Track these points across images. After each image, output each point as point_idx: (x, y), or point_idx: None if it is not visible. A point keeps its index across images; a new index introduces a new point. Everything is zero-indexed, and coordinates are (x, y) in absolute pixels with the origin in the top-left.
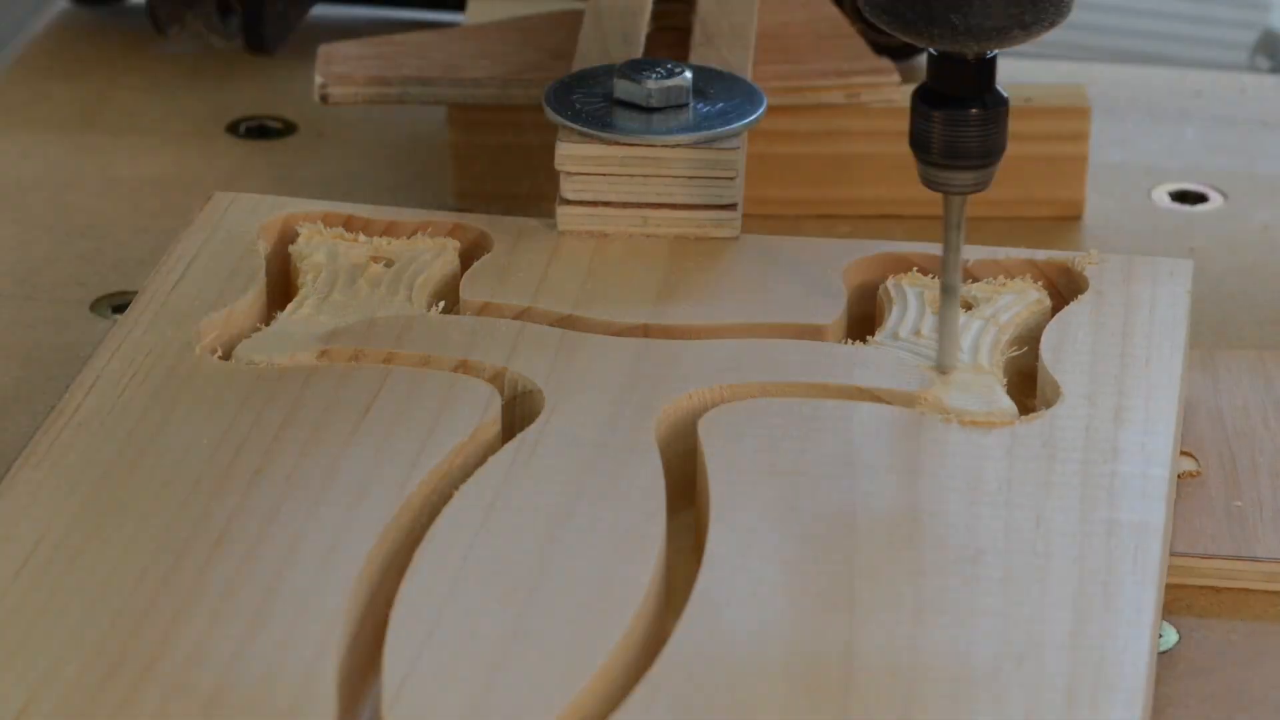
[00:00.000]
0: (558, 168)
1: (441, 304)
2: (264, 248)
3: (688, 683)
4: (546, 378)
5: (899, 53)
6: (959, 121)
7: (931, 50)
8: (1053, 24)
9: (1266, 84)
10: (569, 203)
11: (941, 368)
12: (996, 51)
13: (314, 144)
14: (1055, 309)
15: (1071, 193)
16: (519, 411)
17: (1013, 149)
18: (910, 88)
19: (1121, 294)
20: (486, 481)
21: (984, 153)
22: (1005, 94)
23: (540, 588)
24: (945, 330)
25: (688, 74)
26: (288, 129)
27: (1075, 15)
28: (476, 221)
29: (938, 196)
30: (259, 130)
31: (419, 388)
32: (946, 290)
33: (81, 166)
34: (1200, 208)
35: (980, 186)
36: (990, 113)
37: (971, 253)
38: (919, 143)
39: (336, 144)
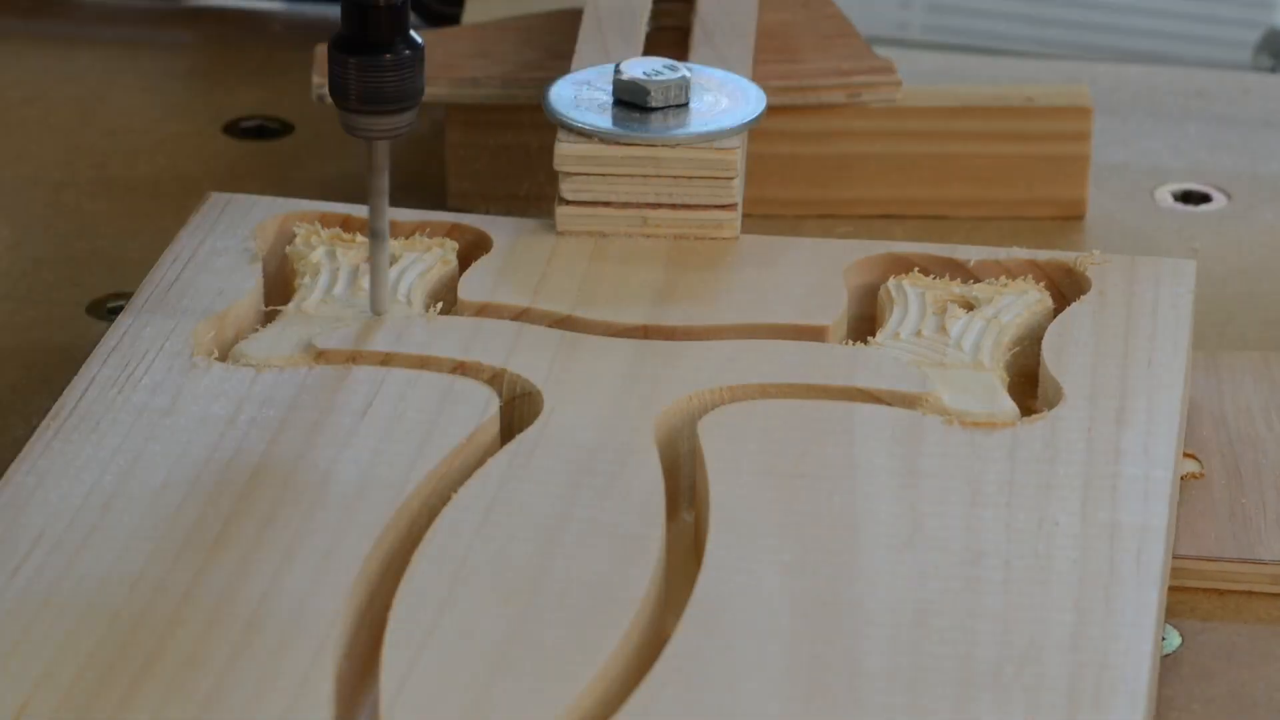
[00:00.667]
0: (556, 168)
1: (439, 305)
2: (261, 248)
3: (687, 685)
4: (545, 379)
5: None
6: (375, 68)
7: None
8: None
9: (1270, 83)
10: (568, 203)
11: (375, 310)
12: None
13: (311, 144)
14: (1057, 310)
15: (1074, 193)
16: (517, 413)
17: (1014, 149)
18: (912, 89)
19: (1124, 295)
20: (485, 484)
21: (400, 96)
22: (419, 40)
23: (539, 590)
24: (375, 276)
25: (687, 73)
26: (285, 129)
27: (1077, 14)
28: (475, 222)
29: (939, 197)
30: (256, 130)
31: (416, 389)
32: (375, 235)
33: (77, 167)
34: (1203, 208)
35: (399, 131)
36: (403, 58)
37: (973, 253)
38: (338, 90)
39: (334, 144)
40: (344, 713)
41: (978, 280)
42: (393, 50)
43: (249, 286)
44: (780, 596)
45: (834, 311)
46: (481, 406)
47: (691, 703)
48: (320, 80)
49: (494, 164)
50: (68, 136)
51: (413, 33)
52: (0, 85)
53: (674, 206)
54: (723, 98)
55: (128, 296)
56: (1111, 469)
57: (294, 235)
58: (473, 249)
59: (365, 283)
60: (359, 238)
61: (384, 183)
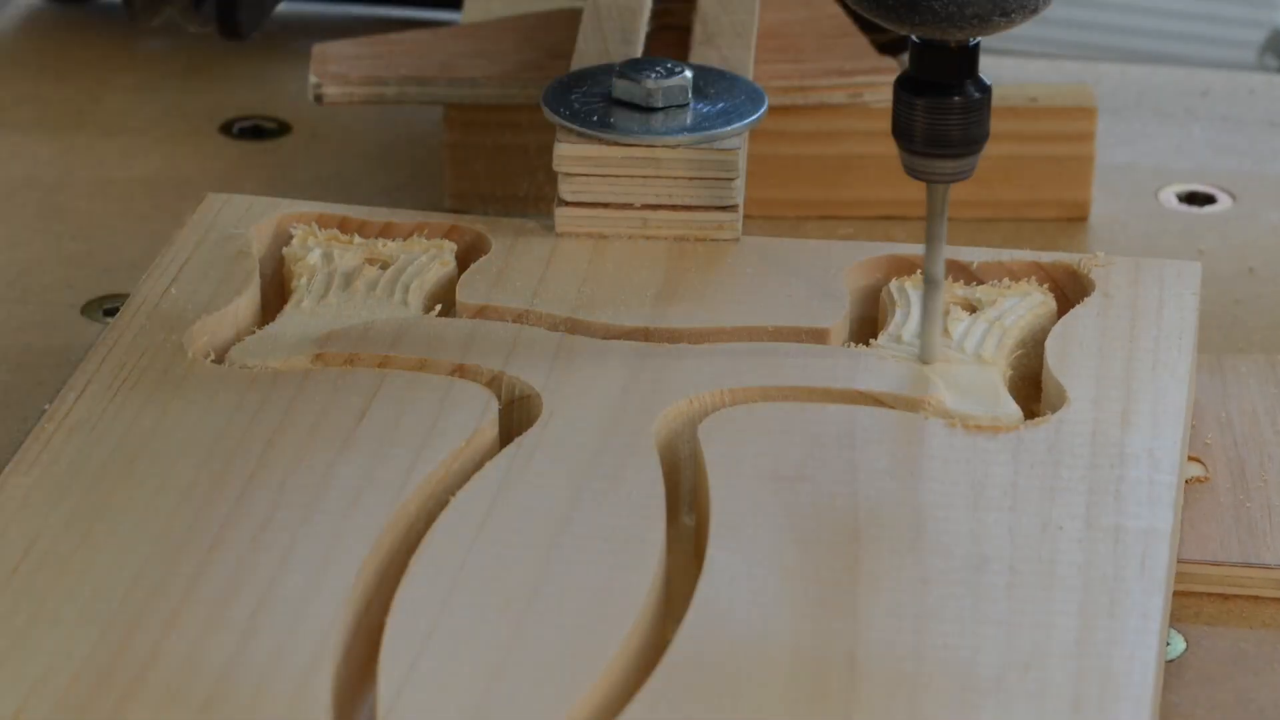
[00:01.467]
0: (556, 168)
1: (438, 307)
2: (258, 250)
3: (688, 691)
4: (544, 382)
5: (893, 47)
6: (941, 110)
7: (914, 38)
8: (1035, 11)
9: (1275, 83)
10: (567, 204)
11: (924, 360)
12: (979, 39)
13: (308, 144)
14: (1061, 312)
15: (1077, 194)
16: (517, 416)
17: (1018, 149)
18: None
19: (1128, 297)
20: (484, 487)
21: (966, 140)
22: (988, 81)
23: (539, 595)
24: (928, 323)
25: (688, 73)
26: (282, 129)
27: (1081, 13)
28: (473, 223)
29: None
30: (253, 131)
31: (415, 392)
32: (929, 282)
33: (72, 167)
34: (1208, 209)
35: (962, 175)
36: (972, 100)
37: (976, 254)
38: (902, 131)
39: (331, 144)
40: (341, 719)
41: (981, 282)
42: (961, 92)
43: (246, 288)
44: (781, 601)
45: (836, 314)
46: (480, 409)
47: (692, 709)
48: (318, 80)
49: (492, 165)
50: (63, 137)
51: (982, 75)
52: None
53: (674, 208)
54: (724, 98)
55: (123, 298)
56: (1116, 473)
57: (291, 237)
58: (471, 250)
59: (363, 285)
60: (356, 239)
61: (942, 229)
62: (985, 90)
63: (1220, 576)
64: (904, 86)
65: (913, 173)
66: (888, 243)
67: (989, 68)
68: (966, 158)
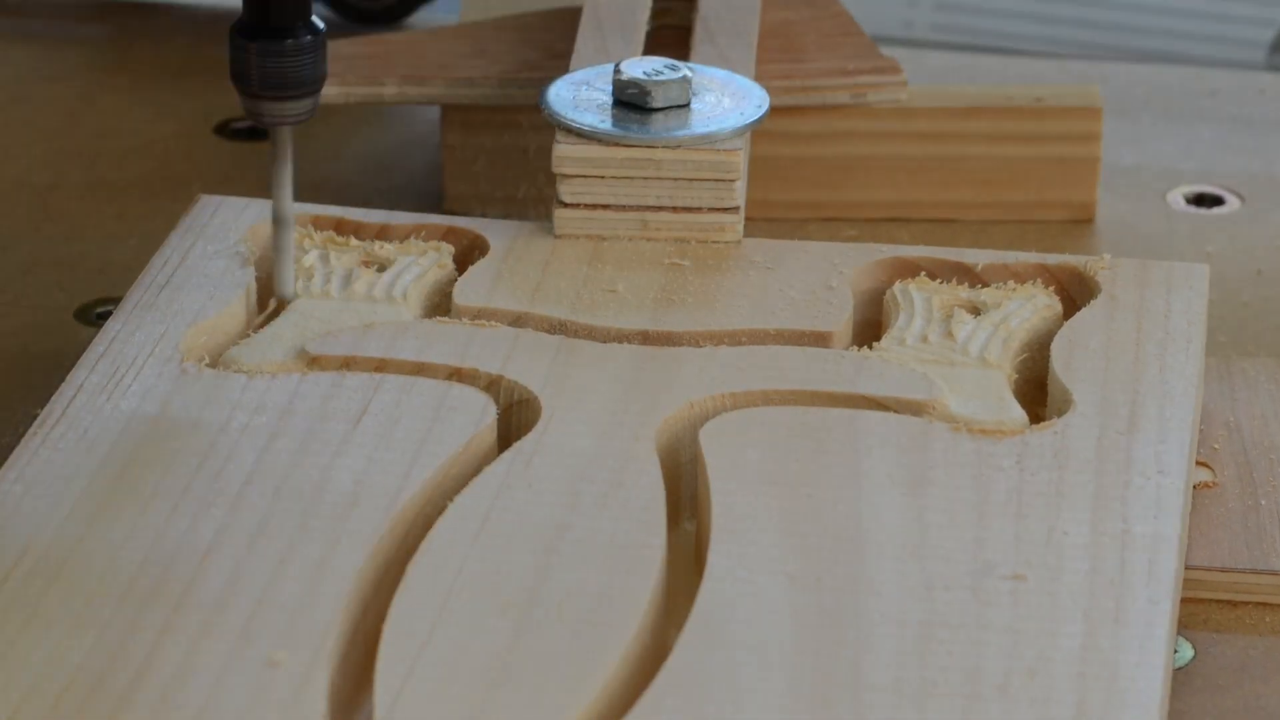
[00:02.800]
0: (555, 170)
1: (435, 310)
2: (253, 252)
3: (689, 699)
4: (543, 386)
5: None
6: (277, 53)
7: None
8: None
9: None
10: (566, 205)
11: (280, 294)
12: None
13: (304, 145)
14: (1067, 315)
15: (1083, 195)
16: (515, 421)
17: (1023, 150)
18: (918, 89)
19: (1135, 300)
20: (481, 493)
21: (301, 81)
22: (321, 24)
23: (537, 602)
24: (279, 259)
25: (688, 73)
26: None
27: (1087, 12)
28: (471, 225)
29: (946, 200)
30: (248, 131)
31: (411, 396)
32: (278, 221)
33: (65, 169)
34: (1216, 211)
35: (304, 116)
36: (305, 42)
37: (980, 256)
38: (239, 76)
39: (327, 146)
40: None
41: (985, 285)
42: (293, 35)
43: (240, 291)
44: (783, 608)
45: (839, 317)
46: (478, 414)
47: (693, 717)
48: None
49: (491, 166)
50: (55, 138)
51: (315, 19)
52: None
53: (675, 209)
54: (725, 98)
55: (116, 301)
56: (1122, 478)
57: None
58: (469, 252)
59: (360, 287)
60: (353, 240)
61: (287, 171)
62: (318, 31)
63: (1229, 583)
64: (239, 32)
65: (255, 117)
66: (891, 245)
67: (993, 67)
68: (306, 99)
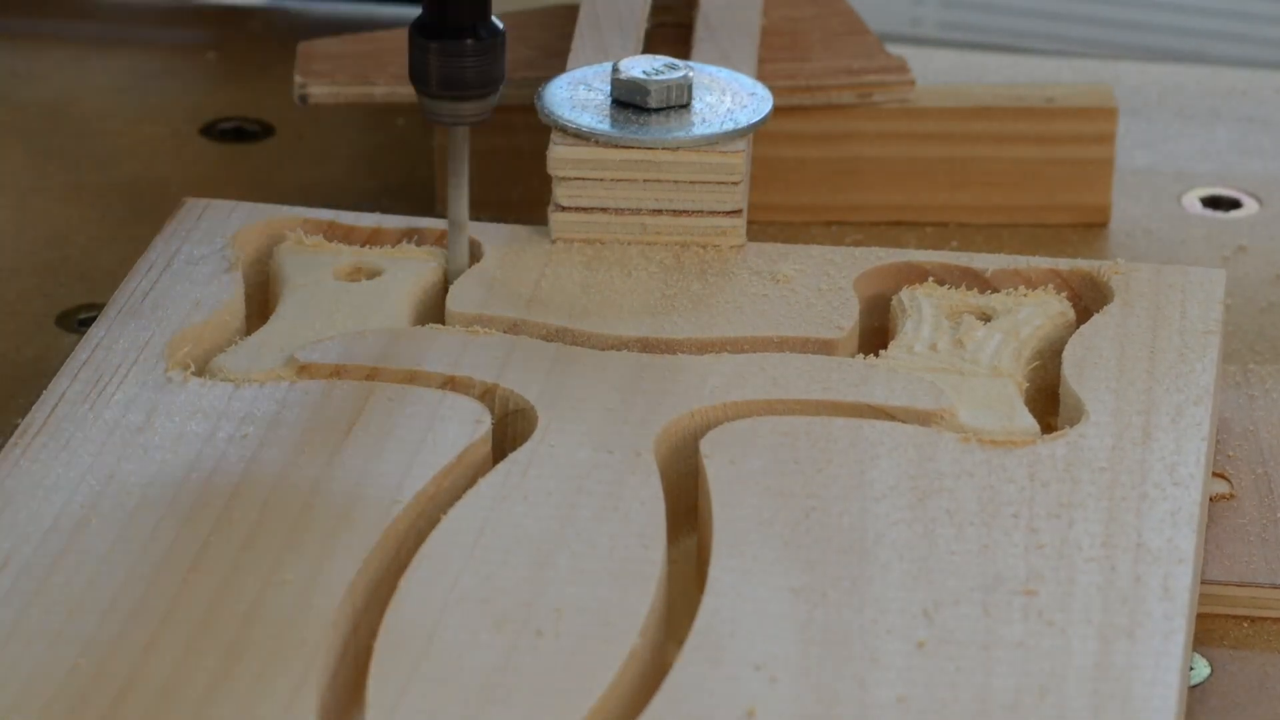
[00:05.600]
0: (551, 172)
1: (428, 316)
2: (240, 257)
3: (690, 717)
4: (539, 395)
5: None
6: (456, 53)
7: None
8: None
9: None
10: (563, 209)
11: (453, 271)
12: None
13: (293, 147)
14: (1079, 321)
15: (1097, 198)
16: (510, 431)
17: (1035, 152)
18: (926, 88)
19: (1150, 305)
20: (476, 506)
21: (481, 83)
22: (500, 25)
23: (534, 618)
24: (452, 264)
25: (689, 72)
26: (265, 131)
27: (1100, 10)
28: None
29: (955, 203)
30: (235, 133)
31: (404, 406)
32: (453, 224)
33: (46, 171)
34: (1234, 214)
35: (480, 117)
36: (485, 43)
37: (991, 261)
38: (418, 76)
39: (317, 147)
40: None
41: (995, 290)
42: (474, 35)
43: (227, 297)
44: (787, 624)
45: (844, 323)
46: (472, 424)
47: None
48: (303, 79)
49: (485, 168)
50: (37, 140)
51: (494, 19)
52: None
53: (675, 213)
54: (726, 98)
55: (100, 307)
56: (1137, 489)
57: (275, 243)
58: None
59: (348, 292)
60: (343, 246)
61: (464, 170)
62: (498, 33)
63: (1246, 598)
64: (419, 31)
65: (432, 116)
66: (898, 249)
67: (1003, 66)
68: (483, 99)
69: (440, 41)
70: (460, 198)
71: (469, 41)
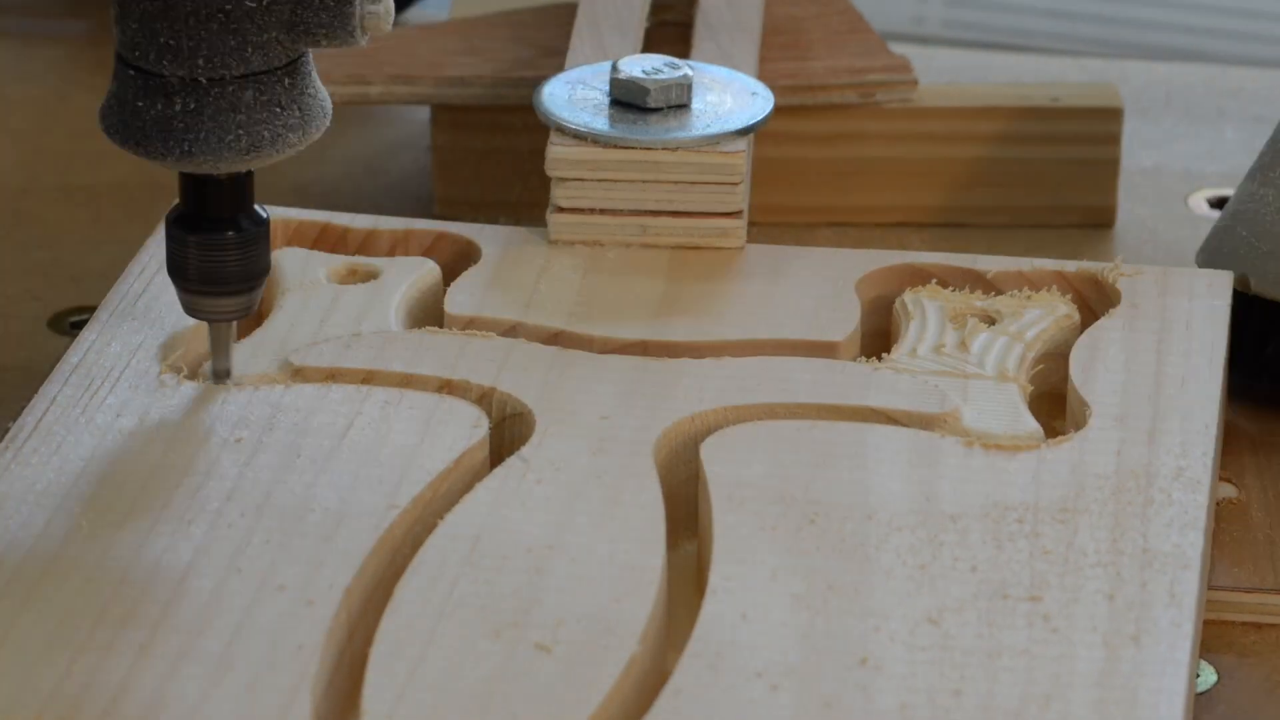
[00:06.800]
0: (549, 172)
1: (424, 319)
2: None
3: None
4: (537, 398)
5: None
6: (216, 246)
7: (181, 173)
8: (303, 140)
9: None
10: (562, 210)
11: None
12: (250, 169)
13: None
14: (1085, 324)
15: (1102, 199)
16: (508, 435)
17: (1039, 152)
18: (929, 88)
19: (1156, 308)
20: (473, 511)
21: (244, 276)
22: (264, 213)
23: (531, 626)
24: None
25: (689, 71)
26: None
27: (1106, 8)
28: (462, 230)
29: (959, 204)
30: None
31: (400, 409)
32: (216, 375)
33: (38, 172)
34: None
35: (246, 312)
36: (248, 235)
37: (995, 263)
38: (175, 269)
39: (312, 148)
40: None
41: (1000, 293)
42: (235, 227)
43: None
44: (788, 631)
45: (846, 326)
46: (469, 428)
47: None
48: None
49: (483, 169)
50: (27, 140)
51: (257, 206)
52: None
53: (675, 214)
54: (727, 98)
55: (91, 310)
56: (1142, 494)
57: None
58: (460, 259)
59: (344, 295)
60: (339, 248)
61: (227, 363)
62: (261, 223)
63: (1254, 604)
64: (177, 223)
65: (192, 312)
66: (901, 251)
67: (1008, 65)
68: (249, 294)
69: (199, 235)
70: (222, 375)
71: (230, 234)
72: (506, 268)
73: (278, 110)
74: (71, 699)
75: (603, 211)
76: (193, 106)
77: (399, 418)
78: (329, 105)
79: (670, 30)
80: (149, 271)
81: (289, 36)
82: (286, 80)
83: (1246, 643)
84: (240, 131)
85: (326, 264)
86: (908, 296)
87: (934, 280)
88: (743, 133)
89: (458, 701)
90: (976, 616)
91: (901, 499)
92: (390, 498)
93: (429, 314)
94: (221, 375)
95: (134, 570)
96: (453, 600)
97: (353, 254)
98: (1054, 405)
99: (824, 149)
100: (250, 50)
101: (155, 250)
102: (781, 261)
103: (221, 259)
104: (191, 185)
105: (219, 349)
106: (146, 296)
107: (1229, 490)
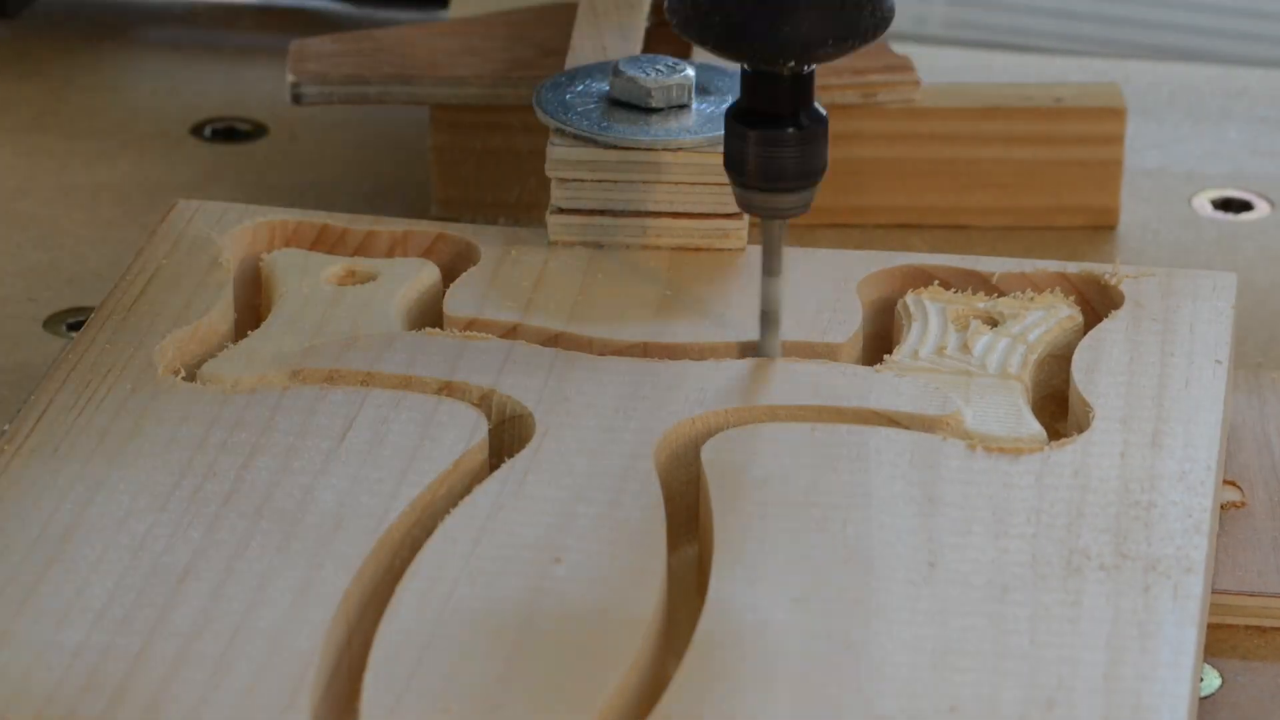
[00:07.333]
0: (549, 173)
1: (423, 321)
2: (232, 260)
3: None
4: (537, 400)
5: None
6: (775, 142)
7: (744, 67)
8: (870, 38)
9: None
10: (562, 211)
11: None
12: (812, 67)
13: (286, 148)
14: (1088, 326)
15: (1106, 200)
16: (508, 437)
17: (1042, 153)
18: (931, 88)
19: (1160, 310)
20: (472, 514)
21: (801, 173)
22: (823, 111)
23: (531, 628)
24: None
25: (690, 71)
26: (258, 131)
27: (1109, 8)
28: (462, 231)
29: (961, 205)
30: (227, 133)
31: (399, 411)
32: (765, 316)
33: (34, 172)
34: (1245, 216)
35: (801, 209)
36: (807, 132)
37: (997, 265)
38: (733, 164)
39: (310, 148)
40: None
41: (1002, 294)
42: (795, 124)
43: (219, 301)
44: (789, 635)
45: (848, 328)
46: (469, 430)
47: None
48: (296, 78)
49: (482, 169)
50: (24, 140)
51: (816, 104)
52: None
53: (676, 215)
54: (728, 98)
55: (88, 311)
56: (1146, 497)
57: (267, 246)
58: (459, 260)
59: (342, 296)
60: (338, 249)
61: (778, 264)
62: (821, 120)
63: (1258, 608)
64: (736, 118)
65: (748, 208)
66: (903, 252)
67: (1010, 65)
68: (804, 190)
69: (759, 130)
70: (773, 290)
71: (789, 130)
72: (506, 269)
73: (850, 7)
74: (68, 703)
75: (603, 212)
76: (769, 0)
77: (398, 419)
78: (890, 13)
79: (671, 30)
80: (146, 272)
81: None
82: None
83: (1251, 646)
84: (807, 27)
85: (325, 265)
86: (910, 298)
87: (936, 282)
88: None
89: (457, 706)
90: (979, 620)
91: (903, 501)
92: (389, 500)
93: (428, 315)
94: (773, 273)
95: (131, 573)
96: (452, 603)
97: (351, 255)
98: (1057, 408)
99: None
100: None
101: (152, 251)
102: (783, 263)
103: (780, 155)
104: (754, 81)
105: (771, 248)
106: (144, 298)
107: (1233, 493)
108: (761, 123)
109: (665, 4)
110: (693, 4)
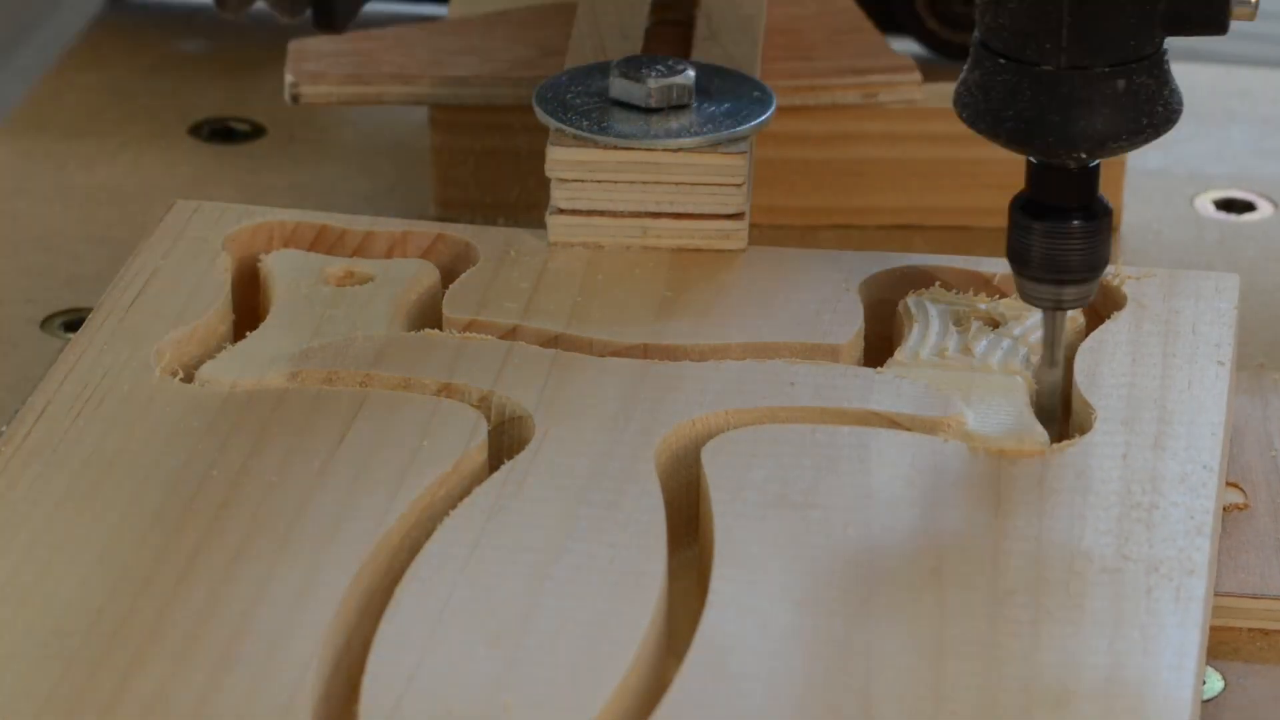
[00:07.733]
0: (549, 174)
1: (422, 322)
2: (230, 261)
3: None
4: (537, 402)
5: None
6: (1061, 234)
7: (1031, 160)
8: (1162, 129)
9: None
10: (561, 211)
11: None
12: (1099, 160)
13: (284, 148)
14: (1090, 327)
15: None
16: (507, 438)
17: None
18: (932, 86)
19: (1162, 311)
20: (472, 515)
21: (1087, 266)
22: (1108, 204)
23: (531, 630)
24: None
25: (690, 72)
26: (256, 132)
27: None
28: (461, 232)
29: (962, 206)
30: (225, 133)
31: (398, 413)
32: (1041, 411)
33: (31, 173)
34: (1248, 217)
35: (1084, 301)
36: (1092, 224)
37: (999, 266)
38: (1017, 255)
39: (309, 148)
40: None
41: (1004, 295)
42: (1081, 216)
43: (217, 301)
44: (790, 637)
45: (849, 329)
46: (468, 431)
47: None
48: (294, 78)
49: (481, 170)
50: (21, 140)
51: (1102, 195)
52: None
53: (676, 216)
54: (728, 98)
55: (86, 312)
56: (1148, 499)
57: (266, 247)
58: (458, 261)
59: (341, 298)
60: (336, 250)
61: (1059, 355)
62: (1107, 212)
63: (1261, 610)
64: (1022, 209)
65: (1030, 299)
66: (905, 254)
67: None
68: (1087, 283)
69: (1045, 222)
70: (1052, 381)
71: (1075, 223)
72: (506, 270)
73: (1142, 101)
74: (65, 708)
75: (603, 213)
76: (1062, 95)
77: (397, 421)
78: (1180, 105)
79: (671, 30)
80: (144, 274)
81: (1161, 26)
82: (1153, 71)
83: (1253, 649)
84: (1100, 122)
85: (324, 266)
86: (911, 299)
87: (937, 283)
88: (744, 134)
89: (456, 709)
90: (981, 622)
91: (904, 503)
92: (388, 502)
93: (427, 316)
94: (1054, 364)
95: (129, 576)
96: (451, 606)
97: (350, 256)
98: (1059, 409)
99: (826, 150)
100: (1124, 38)
101: (150, 252)
102: (783, 264)
103: (1065, 247)
104: (1040, 172)
105: (1054, 339)
106: (142, 299)
107: (1235, 495)
108: (1047, 213)
109: (954, 98)
110: (984, 99)
